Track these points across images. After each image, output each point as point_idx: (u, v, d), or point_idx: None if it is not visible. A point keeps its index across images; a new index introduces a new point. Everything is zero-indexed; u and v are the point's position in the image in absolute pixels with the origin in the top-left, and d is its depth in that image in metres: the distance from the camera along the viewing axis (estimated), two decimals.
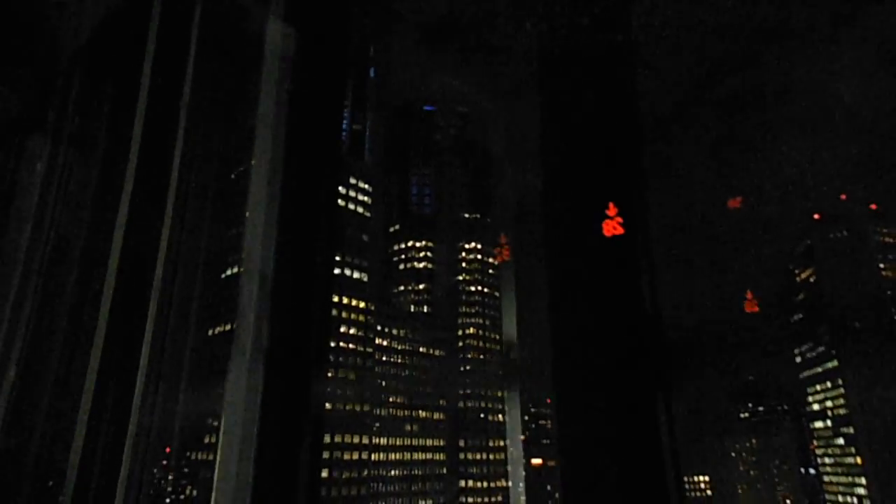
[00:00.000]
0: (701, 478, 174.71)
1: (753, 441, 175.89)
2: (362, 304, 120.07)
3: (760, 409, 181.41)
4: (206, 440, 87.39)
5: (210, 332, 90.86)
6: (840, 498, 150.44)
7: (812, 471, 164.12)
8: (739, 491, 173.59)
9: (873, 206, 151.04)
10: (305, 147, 34.54)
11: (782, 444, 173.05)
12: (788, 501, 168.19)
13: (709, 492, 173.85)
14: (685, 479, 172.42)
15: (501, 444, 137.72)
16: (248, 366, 30.53)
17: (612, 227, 40.66)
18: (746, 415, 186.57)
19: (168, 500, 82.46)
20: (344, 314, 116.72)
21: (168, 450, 73.26)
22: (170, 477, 79.90)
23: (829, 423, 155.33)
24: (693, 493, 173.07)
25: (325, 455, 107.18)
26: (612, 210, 40.47)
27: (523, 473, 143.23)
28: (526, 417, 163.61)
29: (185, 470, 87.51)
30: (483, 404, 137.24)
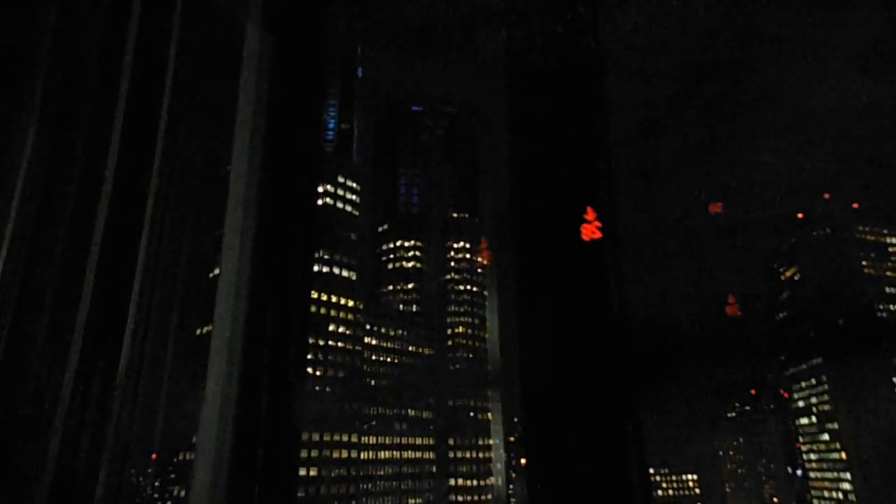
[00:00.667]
0: (689, 476, 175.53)
1: (740, 440, 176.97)
2: (351, 303, 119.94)
3: (747, 408, 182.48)
4: (195, 440, 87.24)
5: (198, 332, 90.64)
6: (826, 494, 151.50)
7: (799, 471, 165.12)
8: (727, 490, 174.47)
9: (855, 205, 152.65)
10: (284, 149, 34.77)
11: (769, 444, 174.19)
12: (776, 500, 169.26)
13: (697, 490, 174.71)
14: (673, 478, 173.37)
15: (490, 442, 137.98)
16: (225, 366, 30.72)
17: (590, 231, 40.78)
18: (734, 414, 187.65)
19: None
20: (333, 312, 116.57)
21: (154, 457, 72.98)
22: (156, 483, 79.58)
23: (814, 419, 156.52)
24: (681, 492, 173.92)
25: (314, 453, 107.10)
26: (590, 214, 40.59)
27: (508, 472, 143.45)
28: (515, 419, 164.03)
29: (173, 473, 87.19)
30: (472, 402, 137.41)
